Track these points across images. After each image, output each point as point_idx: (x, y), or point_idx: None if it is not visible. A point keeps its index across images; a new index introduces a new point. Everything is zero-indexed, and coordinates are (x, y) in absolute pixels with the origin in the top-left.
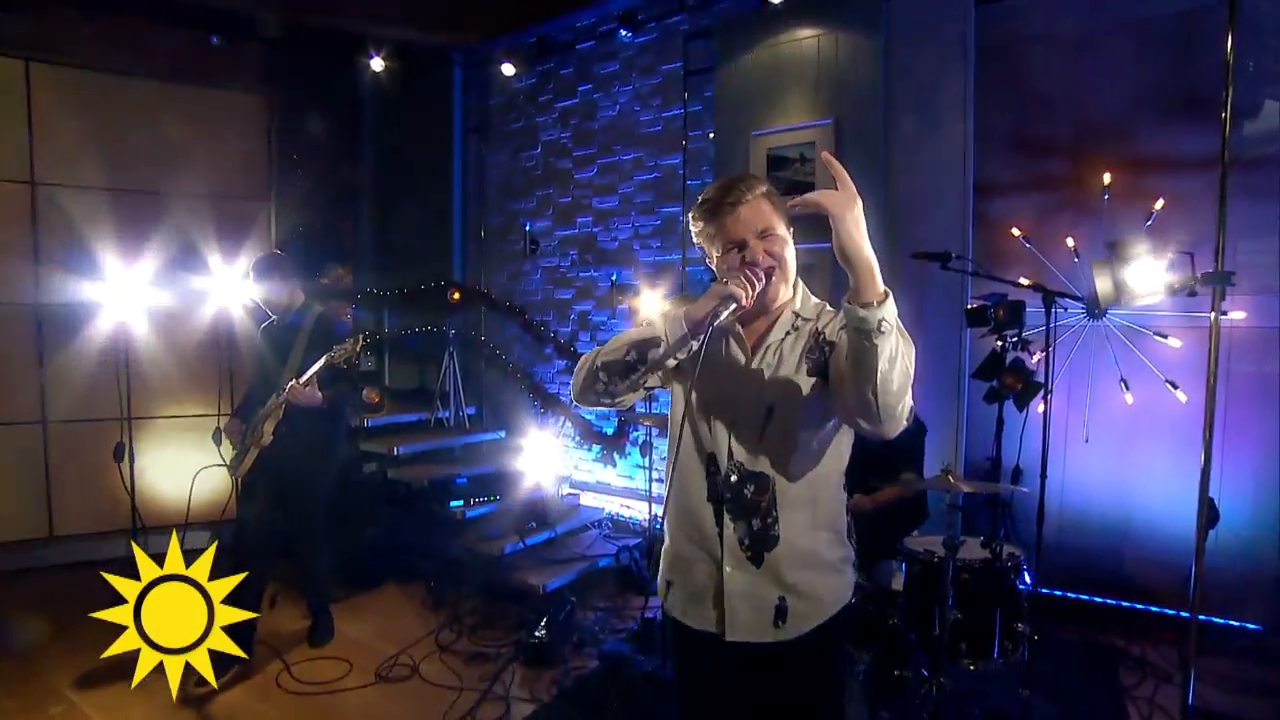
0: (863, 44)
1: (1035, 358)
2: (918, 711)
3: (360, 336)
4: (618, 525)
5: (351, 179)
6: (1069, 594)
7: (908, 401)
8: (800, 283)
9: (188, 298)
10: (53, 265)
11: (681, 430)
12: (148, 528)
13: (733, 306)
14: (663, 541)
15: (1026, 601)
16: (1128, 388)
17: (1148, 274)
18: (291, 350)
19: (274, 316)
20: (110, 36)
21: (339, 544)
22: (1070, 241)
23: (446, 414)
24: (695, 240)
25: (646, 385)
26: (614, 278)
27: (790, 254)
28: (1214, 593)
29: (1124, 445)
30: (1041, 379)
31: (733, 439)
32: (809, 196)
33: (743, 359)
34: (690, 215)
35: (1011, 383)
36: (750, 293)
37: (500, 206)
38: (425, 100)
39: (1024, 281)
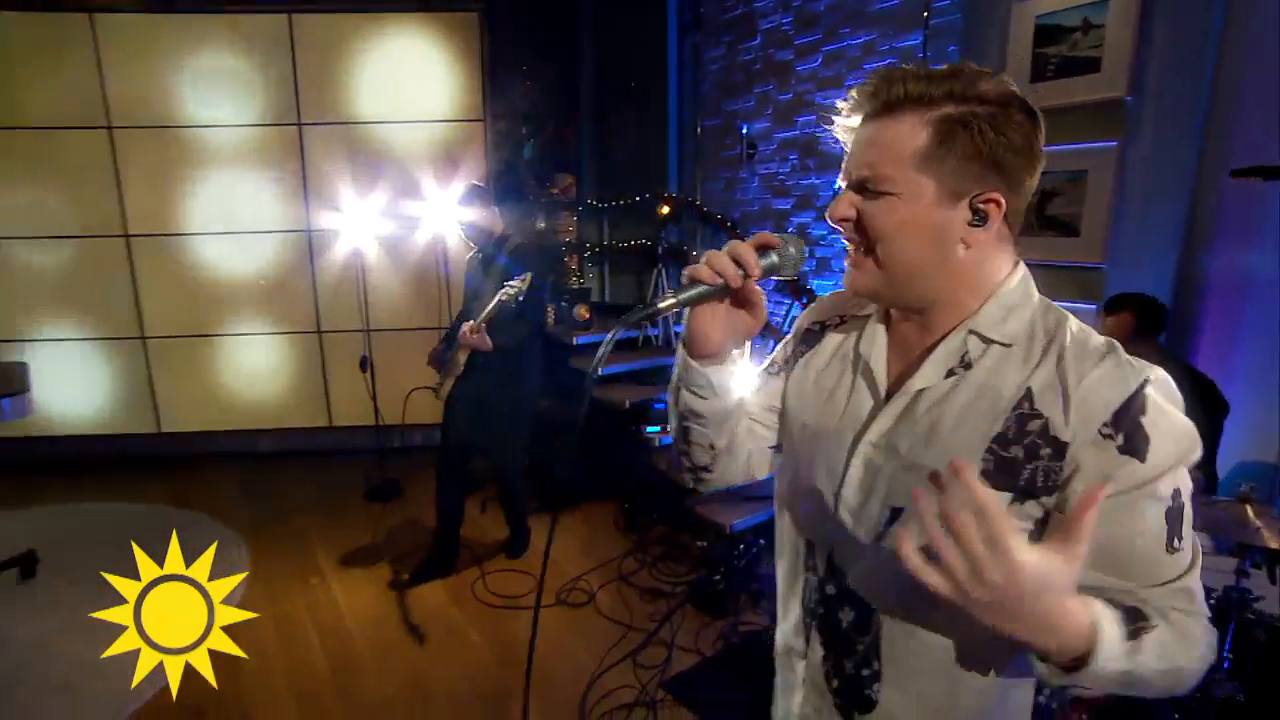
0: None
1: None
2: None
3: (528, 275)
4: None
5: (571, 87)
6: None
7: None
8: (1007, 276)
9: (409, 222)
10: (317, 197)
11: (785, 521)
12: (388, 425)
13: (696, 291)
14: None
15: None
16: None
17: None
18: (487, 283)
19: (476, 248)
20: None
21: (545, 459)
22: None
23: (656, 331)
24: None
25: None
26: (837, 186)
27: (920, 225)
28: None
29: None
30: None
31: (832, 530)
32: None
33: (869, 404)
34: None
35: None
36: (728, 280)
37: (717, 107)
38: None
39: None
